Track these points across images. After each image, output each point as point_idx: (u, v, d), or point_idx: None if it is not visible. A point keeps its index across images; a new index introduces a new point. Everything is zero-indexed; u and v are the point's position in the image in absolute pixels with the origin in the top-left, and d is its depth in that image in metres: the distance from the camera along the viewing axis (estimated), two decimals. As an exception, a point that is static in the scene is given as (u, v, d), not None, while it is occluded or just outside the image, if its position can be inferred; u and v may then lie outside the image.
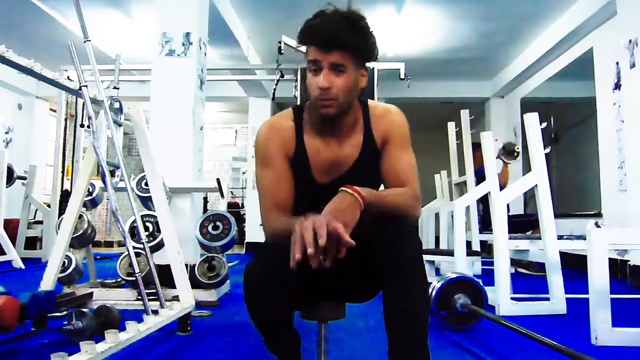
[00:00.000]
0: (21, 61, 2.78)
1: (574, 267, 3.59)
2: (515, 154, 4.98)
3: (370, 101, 1.40)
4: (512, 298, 2.61)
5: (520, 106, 7.00)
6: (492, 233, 2.79)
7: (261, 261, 1.23)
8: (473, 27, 5.64)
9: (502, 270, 2.60)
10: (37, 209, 5.85)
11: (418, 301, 1.17)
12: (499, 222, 2.67)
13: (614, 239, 2.14)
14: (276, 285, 1.16)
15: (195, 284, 2.77)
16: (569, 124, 5.95)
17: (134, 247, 2.14)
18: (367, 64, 1.31)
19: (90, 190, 3.03)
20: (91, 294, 2.65)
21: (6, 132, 6.97)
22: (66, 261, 2.76)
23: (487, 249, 5.17)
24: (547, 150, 2.76)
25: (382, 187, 1.35)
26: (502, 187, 5.05)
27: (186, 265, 2.38)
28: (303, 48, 1.26)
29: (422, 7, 5.12)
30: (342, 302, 1.40)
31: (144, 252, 2.13)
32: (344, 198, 1.13)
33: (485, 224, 4.50)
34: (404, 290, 1.15)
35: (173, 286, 2.19)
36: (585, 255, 2.06)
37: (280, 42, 4.42)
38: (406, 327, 1.16)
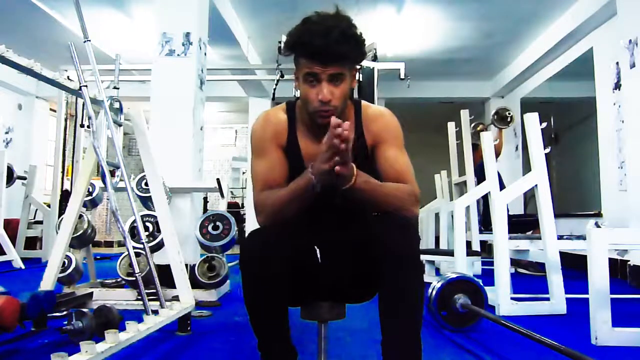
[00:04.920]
0: (21, 61, 2.77)
1: (574, 267, 3.59)
2: (508, 118, 5.06)
3: (363, 102, 1.41)
4: (512, 298, 2.61)
5: (520, 106, 7.00)
6: (492, 233, 2.79)
7: (260, 231, 1.26)
8: (473, 27, 5.64)
9: (502, 270, 2.60)
10: (37, 209, 5.85)
11: (413, 298, 1.19)
12: (499, 222, 2.67)
13: (614, 239, 2.15)
14: (277, 253, 1.18)
15: (195, 284, 2.77)
16: (569, 124, 5.95)
17: (134, 247, 2.14)
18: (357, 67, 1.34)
19: (90, 190, 3.03)
20: (91, 294, 2.65)
21: (6, 132, 6.97)
22: (66, 261, 2.76)
23: (487, 249, 5.17)
24: (547, 150, 2.76)
25: None
26: (498, 154, 5.13)
27: (186, 265, 2.38)
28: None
29: (422, 7, 5.12)
30: (342, 302, 1.41)
31: (144, 252, 2.13)
32: None
33: (485, 224, 4.50)
34: (399, 288, 1.16)
35: (173, 286, 2.19)
36: (585, 255, 2.06)
37: (280, 42, 4.40)
38: (400, 323, 1.17)
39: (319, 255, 1.34)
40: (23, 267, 4.61)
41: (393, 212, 1.22)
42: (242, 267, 1.23)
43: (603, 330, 1.95)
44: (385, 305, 1.18)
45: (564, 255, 2.74)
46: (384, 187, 1.22)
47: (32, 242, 5.80)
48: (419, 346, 1.18)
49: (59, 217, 4.23)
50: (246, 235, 1.27)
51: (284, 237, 1.23)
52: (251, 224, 7.26)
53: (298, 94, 1.33)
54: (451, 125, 5.33)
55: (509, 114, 5.12)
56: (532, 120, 2.72)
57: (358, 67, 1.33)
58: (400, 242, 1.16)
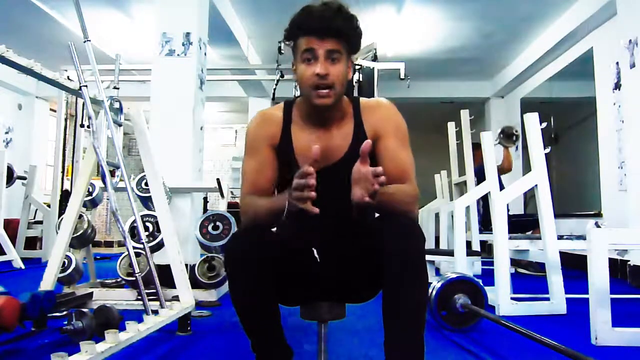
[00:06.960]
0: (21, 61, 2.78)
1: (574, 267, 3.59)
2: (514, 137, 5.02)
3: (362, 98, 1.42)
4: (512, 298, 2.61)
5: (520, 106, 7.00)
6: (492, 233, 2.79)
7: (243, 232, 1.27)
8: (473, 27, 5.64)
9: (502, 270, 2.60)
10: (37, 209, 5.84)
11: (417, 299, 1.18)
12: (499, 222, 2.67)
13: (614, 239, 2.15)
14: (259, 254, 1.19)
15: (195, 284, 2.77)
16: (569, 124, 5.95)
17: (134, 247, 2.14)
18: (353, 57, 1.35)
19: (90, 190, 3.03)
20: (91, 294, 2.65)
21: (6, 132, 6.97)
22: (66, 261, 2.75)
23: (487, 249, 5.17)
24: (547, 150, 2.75)
25: None
26: (506, 172, 5.13)
27: (186, 265, 2.38)
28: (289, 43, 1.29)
29: (422, 7, 5.12)
30: (342, 302, 1.41)
31: (144, 252, 2.13)
32: None
33: (485, 224, 4.50)
34: (404, 289, 1.16)
35: (173, 286, 2.19)
36: (585, 255, 2.06)
37: (280, 42, 4.41)
38: (403, 323, 1.17)
39: (316, 255, 1.34)
40: (23, 267, 4.61)
41: (396, 214, 1.21)
42: (226, 268, 1.25)
43: (603, 330, 1.95)
44: (388, 306, 1.18)
45: (564, 255, 2.74)
46: (394, 195, 1.22)
47: (32, 242, 5.80)
48: (421, 347, 1.18)
49: (59, 217, 4.23)
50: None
51: (267, 238, 1.24)
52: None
53: (298, 93, 1.33)
54: (451, 125, 5.33)
55: (516, 132, 5.03)
56: (532, 120, 2.72)
57: (356, 61, 1.35)
58: (405, 243, 1.16)
